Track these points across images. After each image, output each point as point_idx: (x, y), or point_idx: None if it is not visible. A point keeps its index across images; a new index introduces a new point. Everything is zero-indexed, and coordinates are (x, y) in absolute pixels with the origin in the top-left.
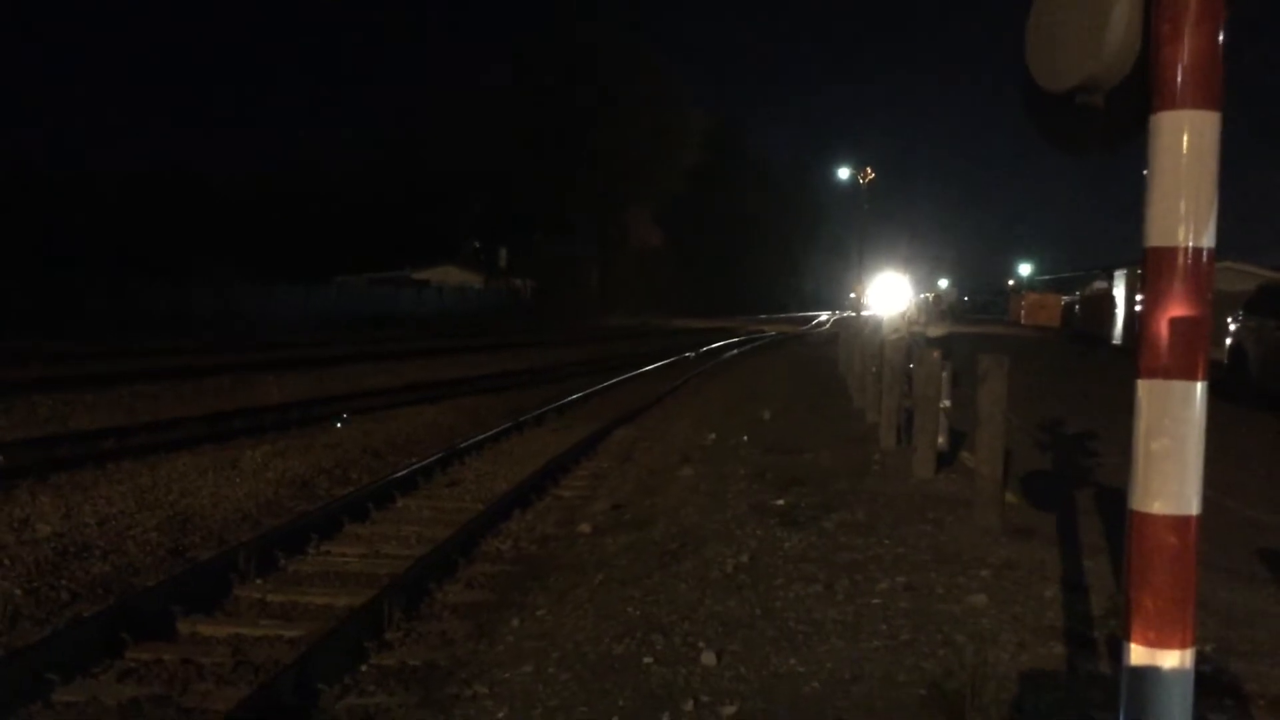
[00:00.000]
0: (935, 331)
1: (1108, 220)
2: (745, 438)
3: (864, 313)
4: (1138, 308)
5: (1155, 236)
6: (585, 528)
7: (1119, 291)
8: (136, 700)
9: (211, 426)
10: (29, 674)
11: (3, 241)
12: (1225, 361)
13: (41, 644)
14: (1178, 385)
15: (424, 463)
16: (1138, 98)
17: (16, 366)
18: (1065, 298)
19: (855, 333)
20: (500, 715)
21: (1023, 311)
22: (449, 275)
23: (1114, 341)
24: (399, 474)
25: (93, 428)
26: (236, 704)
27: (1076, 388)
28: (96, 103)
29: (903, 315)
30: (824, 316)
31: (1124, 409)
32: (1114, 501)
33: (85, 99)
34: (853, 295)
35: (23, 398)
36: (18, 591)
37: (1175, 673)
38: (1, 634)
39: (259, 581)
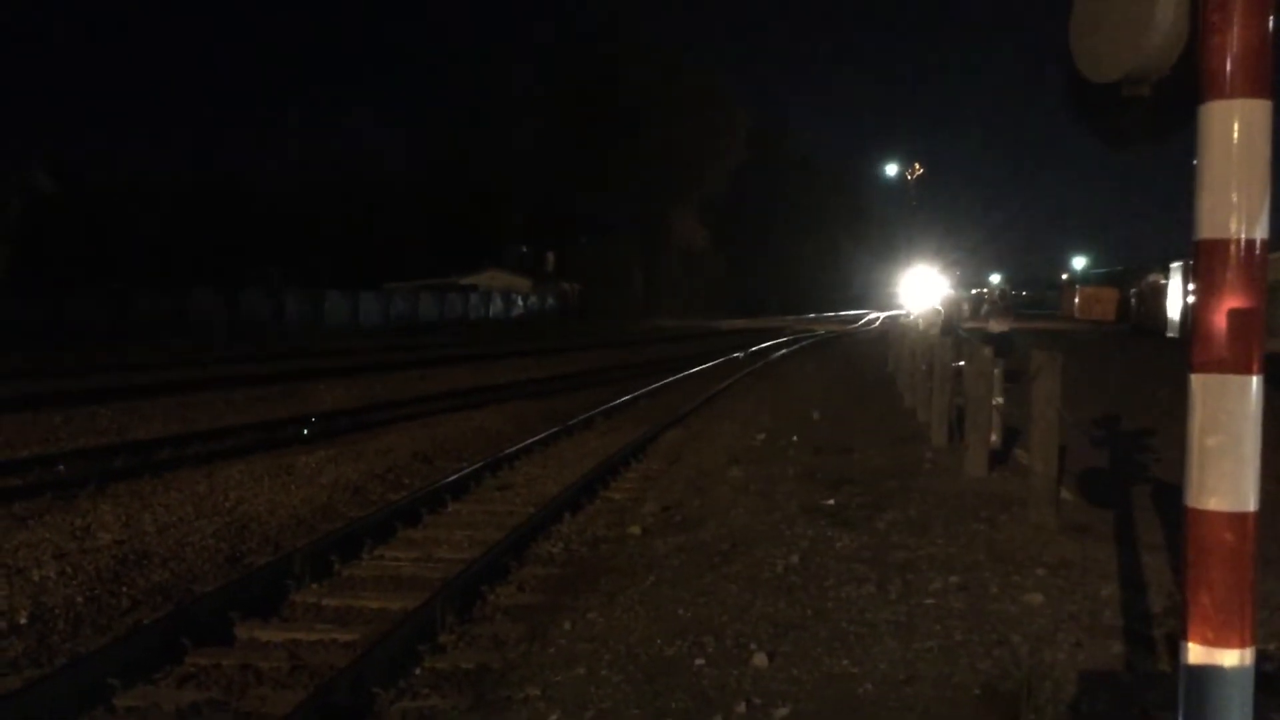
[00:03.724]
0: (997, 327)
1: (1164, 212)
2: (795, 438)
3: (911, 311)
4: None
5: (1207, 229)
6: (635, 529)
7: (1175, 284)
8: (196, 704)
9: (266, 434)
10: (92, 679)
11: (52, 252)
12: None
13: (103, 650)
14: (1233, 379)
15: (474, 467)
16: (1186, 87)
17: (76, 377)
18: (1120, 291)
19: (904, 331)
20: (553, 717)
21: (1076, 305)
22: (495, 280)
23: (1170, 334)
24: (450, 478)
25: (150, 437)
26: (293, 708)
27: (1134, 383)
28: (146, 109)
29: (937, 311)
30: (872, 315)
31: (1181, 404)
32: (1172, 498)
33: (135, 105)
34: (900, 293)
35: (82, 408)
36: (80, 599)
37: (1234, 672)
38: (65, 640)
39: (314, 586)
